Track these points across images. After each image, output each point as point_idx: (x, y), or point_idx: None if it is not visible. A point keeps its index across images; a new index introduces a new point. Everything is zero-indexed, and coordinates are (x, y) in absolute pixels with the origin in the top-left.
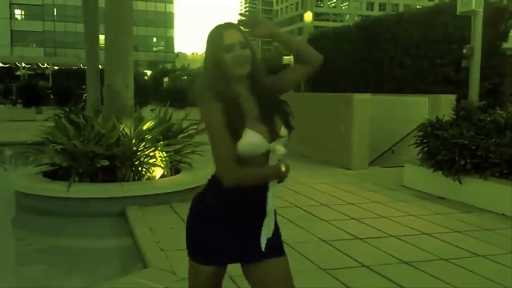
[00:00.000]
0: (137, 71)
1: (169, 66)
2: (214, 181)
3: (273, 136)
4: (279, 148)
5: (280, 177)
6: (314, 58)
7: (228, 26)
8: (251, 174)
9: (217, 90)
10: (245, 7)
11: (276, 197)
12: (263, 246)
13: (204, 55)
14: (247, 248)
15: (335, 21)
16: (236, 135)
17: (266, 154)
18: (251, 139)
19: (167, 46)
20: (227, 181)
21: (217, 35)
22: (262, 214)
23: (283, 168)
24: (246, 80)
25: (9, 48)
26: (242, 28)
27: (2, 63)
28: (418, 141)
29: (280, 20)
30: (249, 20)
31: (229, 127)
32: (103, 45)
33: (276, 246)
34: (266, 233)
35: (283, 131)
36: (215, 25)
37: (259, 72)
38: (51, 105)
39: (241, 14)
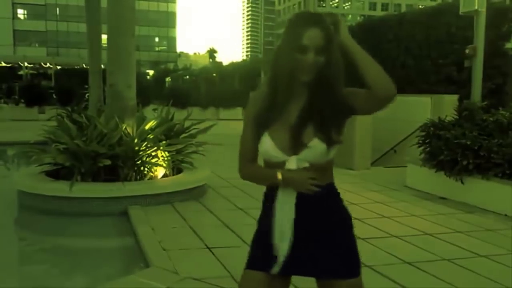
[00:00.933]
0: (139, 71)
1: (171, 66)
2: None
3: (296, 146)
4: (289, 163)
5: (275, 184)
6: (386, 87)
7: (312, 22)
8: (254, 172)
9: (276, 81)
10: (248, 7)
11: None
12: (277, 264)
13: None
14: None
15: None
16: (259, 135)
17: (284, 163)
18: (263, 146)
19: (169, 46)
20: (240, 175)
21: (296, 30)
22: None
23: (278, 176)
24: (307, 85)
25: (11, 48)
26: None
27: (5, 62)
28: (421, 141)
29: (283, 19)
30: (331, 20)
31: (255, 125)
32: (106, 45)
33: (332, 266)
34: (282, 249)
35: (314, 142)
36: (299, 13)
37: (327, 82)
38: (53, 104)
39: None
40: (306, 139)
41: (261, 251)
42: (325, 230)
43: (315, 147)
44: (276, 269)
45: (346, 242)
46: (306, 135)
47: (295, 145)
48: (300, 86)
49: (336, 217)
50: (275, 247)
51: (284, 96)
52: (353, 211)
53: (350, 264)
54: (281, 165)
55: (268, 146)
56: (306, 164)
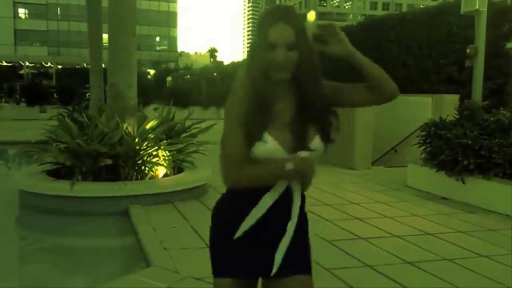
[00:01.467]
0: (140, 70)
1: (172, 65)
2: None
3: (299, 147)
4: (301, 154)
5: (285, 177)
6: (391, 90)
7: (278, 18)
8: (254, 171)
9: (254, 83)
10: (249, 7)
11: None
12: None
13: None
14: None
15: (338, 20)
16: (253, 137)
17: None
18: (266, 146)
19: (170, 46)
20: (224, 180)
21: (263, 27)
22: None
23: (289, 166)
24: (288, 83)
25: (12, 47)
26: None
27: (6, 62)
28: (421, 141)
29: None
30: (325, 32)
31: (249, 127)
32: (107, 44)
33: (297, 262)
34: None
35: (315, 143)
36: (268, 9)
37: (308, 77)
38: (54, 104)
39: (319, 26)
40: (308, 139)
41: (243, 255)
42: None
43: (318, 148)
44: (273, 271)
45: (307, 242)
46: (308, 135)
47: (299, 146)
48: (282, 84)
49: (303, 217)
50: (262, 249)
51: (266, 97)
52: (354, 210)
53: (307, 261)
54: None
55: (272, 146)
56: None
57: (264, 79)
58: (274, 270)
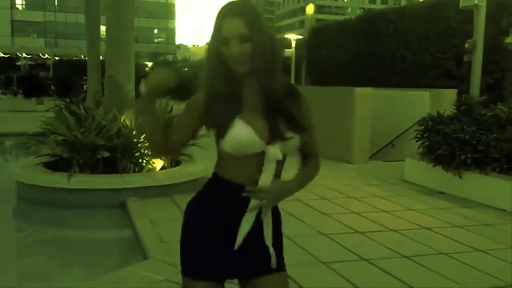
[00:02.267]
0: (138, 62)
1: (170, 57)
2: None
3: (274, 135)
4: (273, 152)
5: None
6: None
7: (228, 12)
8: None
9: (209, 82)
10: None
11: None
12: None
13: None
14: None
15: (337, 14)
16: (222, 126)
17: (262, 155)
18: (238, 132)
19: (168, 38)
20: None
21: (217, 22)
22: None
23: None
24: (250, 75)
25: (10, 38)
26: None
27: (3, 53)
28: (419, 136)
29: (282, 12)
30: (259, 194)
31: (214, 118)
32: (105, 36)
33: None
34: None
35: (290, 133)
36: (222, 5)
37: (264, 68)
38: (51, 96)
39: (247, 191)
40: (281, 129)
41: (211, 252)
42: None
43: (293, 138)
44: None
45: (280, 238)
46: (280, 126)
47: (274, 135)
48: (246, 77)
49: (276, 215)
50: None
51: (227, 91)
52: (351, 204)
53: (281, 258)
54: (257, 155)
55: (243, 130)
56: (281, 157)
57: (222, 74)
58: (272, 262)
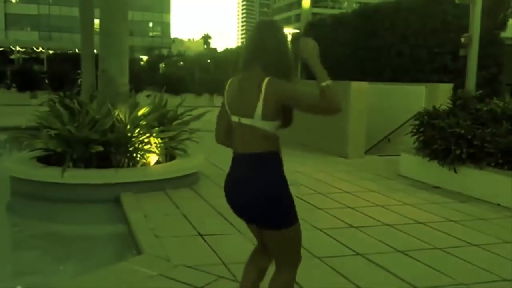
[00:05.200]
0: (133, 56)
1: (165, 52)
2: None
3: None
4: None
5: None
6: (332, 107)
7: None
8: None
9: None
10: None
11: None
12: None
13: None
14: None
15: (333, 8)
16: None
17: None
18: None
19: (163, 32)
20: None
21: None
22: None
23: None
24: None
25: (3, 32)
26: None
27: None
28: (415, 130)
29: (278, 6)
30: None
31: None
32: (98, 29)
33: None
34: None
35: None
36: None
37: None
38: (45, 89)
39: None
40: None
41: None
42: None
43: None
44: None
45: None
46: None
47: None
48: None
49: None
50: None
51: None
52: (346, 199)
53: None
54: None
55: None
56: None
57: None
58: None
